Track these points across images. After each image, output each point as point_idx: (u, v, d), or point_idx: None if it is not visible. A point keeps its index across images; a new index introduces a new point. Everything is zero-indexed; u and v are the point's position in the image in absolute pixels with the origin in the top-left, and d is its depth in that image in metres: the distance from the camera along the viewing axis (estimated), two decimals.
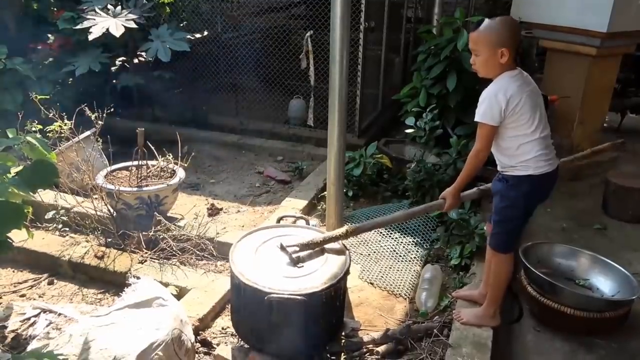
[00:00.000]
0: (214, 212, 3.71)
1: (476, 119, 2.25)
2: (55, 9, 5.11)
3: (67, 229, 3.36)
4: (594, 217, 3.84)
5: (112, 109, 3.35)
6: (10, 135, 2.47)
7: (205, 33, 5.56)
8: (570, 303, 2.59)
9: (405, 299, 2.88)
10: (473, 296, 2.69)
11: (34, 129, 3.03)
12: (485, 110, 2.21)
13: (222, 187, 4.24)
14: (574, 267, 2.95)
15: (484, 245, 3.05)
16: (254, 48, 5.34)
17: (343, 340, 2.46)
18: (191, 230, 3.23)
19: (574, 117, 4.51)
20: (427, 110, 4.12)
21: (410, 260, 3.18)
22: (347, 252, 2.39)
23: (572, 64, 4.44)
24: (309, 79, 5.02)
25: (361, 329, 2.58)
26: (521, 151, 2.27)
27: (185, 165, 3.44)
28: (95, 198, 3.21)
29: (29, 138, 2.30)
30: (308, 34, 4.85)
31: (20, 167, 2.27)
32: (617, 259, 2.93)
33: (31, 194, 2.20)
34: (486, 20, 2.21)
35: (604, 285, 2.83)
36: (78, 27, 4.51)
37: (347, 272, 2.28)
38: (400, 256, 3.21)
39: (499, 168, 2.40)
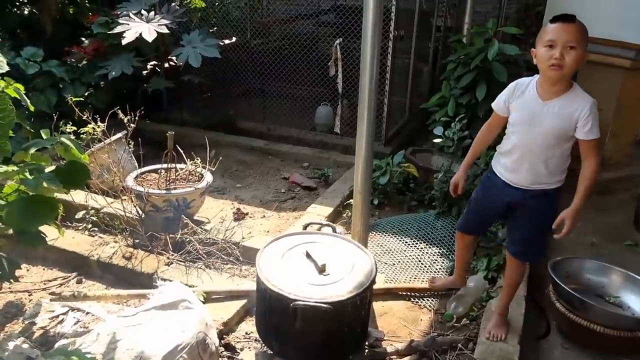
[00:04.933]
0: (239, 216, 3.73)
1: (595, 136, 2.11)
2: (90, 14, 5.23)
3: (96, 229, 3.41)
4: (624, 233, 3.75)
5: (142, 112, 3.41)
6: (45, 136, 2.53)
7: (235, 39, 5.63)
8: (600, 321, 2.52)
9: (430, 310, 2.85)
10: (451, 284, 2.88)
11: (68, 130, 3.09)
12: (598, 123, 2.11)
13: (248, 192, 4.26)
14: (605, 284, 2.88)
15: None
16: (282, 54, 5.37)
17: (367, 350, 2.44)
18: (217, 234, 3.25)
19: (607, 130, 4.41)
20: (456, 119, 4.09)
21: (435, 271, 3.15)
22: (374, 260, 2.38)
23: (606, 76, 4.35)
24: (337, 86, 5.03)
25: (385, 339, 2.57)
26: (568, 163, 2.28)
27: (213, 169, 3.48)
28: (125, 199, 3.26)
29: (63, 139, 2.35)
30: (337, 41, 4.86)
31: (53, 167, 2.32)
32: None
33: (64, 191, 2.26)
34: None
35: (636, 303, 2.75)
36: (112, 31, 4.61)
37: (373, 281, 2.26)
38: (425, 267, 3.19)
39: (532, 183, 2.29)
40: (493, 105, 2.37)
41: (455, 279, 2.91)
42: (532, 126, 2.20)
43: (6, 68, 1.96)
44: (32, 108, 2.35)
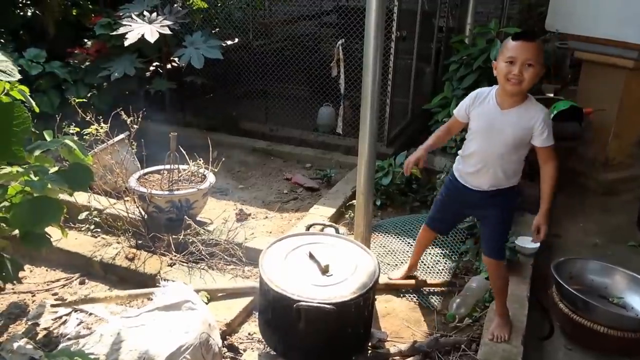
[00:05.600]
0: (242, 217, 3.73)
1: (551, 143, 2.29)
2: (92, 15, 5.24)
3: (99, 230, 3.42)
4: (627, 234, 3.74)
5: (144, 113, 3.42)
6: (48, 137, 2.53)
7: (237, 40, 5.64)
8: (604, 321, 2.52)
9: (433, 310, 2.85)
10: (408, 272, 3.01)
11: (71, 131, 3.09)
12: (552, 131, 2.28)
13: (251, 193, 4.27)
14: (608, 285, 2.88)
15: (514, 259, 3.03)
16: (284, 55, 5.38)
17: (370, 351, 2.44)
18: (220, 234, 3.25)
19: (609, 131, 4.41)
20: None
21: (438, 272, 3.15)
22: (377, 261, 2.38)
23: (608, 77, 4.35)
24: (339, 87, 5.03)
25: (388, 340, 2.57)
26: (522, 167, 2.45)
27: (216, 170, 3.48)
28: (127, 200, 3.27)
29: (66, 141, 2.35)
30: (340, 42, 4.86)
31: (56, 169, 2.33)
32: None
33: (69, 193, 2.27)
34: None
35: (639, 304, 2.75)
36: (114, 32, 4.62)
37: (376, 282, 2.27)
38: (427, 268, 3.18)
39: (491, 186, 2.44)
40: (455, 111, 2.52)
41: (410, 266, 3.05)
42: (491, 134, 2.34)
43: (18, 76, 1.97)
44: (37, 109, 2.36)
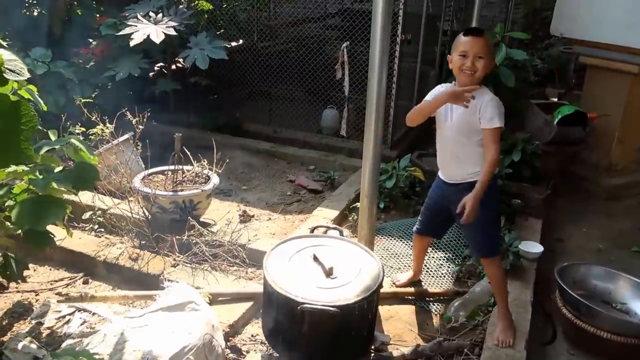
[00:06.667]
0: (245, 218, 3.74)
1: (499, 124, 2.33)
2: (98, 15, 5.25)
3: (103, 230, 3.42)
4: (631, 239, 3.74)
5: (149, 114, 3.42)
6: (52, 137, 2.55)
7: (241, 41, 5.65)
8: (607, 327, 2.52)
9: (436, 314, 2.85)
10: (414, 277, 3.02)
11: (77, 131, 3.10)
12: (501, 114, 2.34)
13: (254, 194, 4.27)
14: (611, 290, 2.87)
15: (518, 263, 3.02)
16: (288, 57, 5.39)
17: (373, 354, 2.44)
18: (223, 236, 3.26)
19: (613, 136, 4.41)
20: None
21: (441, 276, 3.15)
22: (381, 264, 2.38)
23: (613, 82, 4.35)
24: (343, 89, 5.04)
25: (391, 344, 2.56)
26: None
27: (220, 171, 3.48)
28: (131, 200, 3.27)
29: (73, 140, 2.36)
30: (344, 45, 4.87)
31: (60, 168, 2.34)
32: None
33: (73, 192, 2.28)
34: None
35: None
36: (120, 33, 4.63)
37: (380, 285, 2.27)
38: (431, 271, 3.18)
39: (461, 178, 2.51)
40: (428, 97, 2.53)
41: (415, 273, 3.06)
42: (445, 121, 2.48)
43: (27, 75, 1.98)
44: (44, 108, 2.37)
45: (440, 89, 2.52)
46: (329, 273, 2.25)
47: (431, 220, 2.80)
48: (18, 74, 1.91)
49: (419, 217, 2.88)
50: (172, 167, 3.46)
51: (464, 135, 2.43)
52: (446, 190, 2.61)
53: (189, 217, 3.24)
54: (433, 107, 2.44)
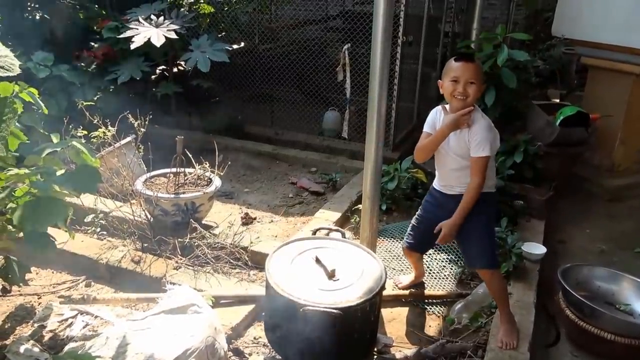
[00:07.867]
0: (247, 221, 3.74)
1: (487, 153, 2.36)
2: (100, 19, 5.27)
3: (105, 232, 3.42)
4: (634, 241, 3.73)
5: (151, 117, 3.43)
6: (55, 140, 2.54)
7: (243, 44, 5.65)
8: (610, 328, 2.51)
9: (439, 316, 2.84)
10: (416, 279, 3.01)
11: (79, 134, 3.10)
12: (490, 140, 2.37)
13: (256, 197, 4.27)
14: (615, 291, 2.86)
15: (520, 264, 3.01)
16: (290, 59, 5.39)
17: (375, 357, 2.44)
18: (225, 238, 3.25)
19: (615, 137, 4.40)
20: None
21: (443, 278, 3.14)
22: (383, 266, 2.37)
23: (615, 82, 4.35)
24: (345, 91, 5.04)
25: (393, 346, 2.56)
26: (492, 172, 2.54)
27: (221, 173, 3.48)
28: (134, 203, 3.27)
29: (75, 143, 2.36)
30: (346, 47, 4.87)
31: (63, 171, 2.34)
32: None
33: (76, 195, 2.27)
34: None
35: None
36: (121, 36, 4.64)
37: (382, 287, 2.26)
38: (433, 273, 3.17)
39: (462, 190, 2.49)
40: (427, 128, 2.58)
41: (418, 275, 3.05)
42: (442, 146, 2.49)
43: (18, 70, 1.96)
44: (46, 111, 2.37)
45: (434, 115, 2.55)
46: (331, 275, 2.25)
47: (424, 234, 2.73)
48: (7, 69, 1.87)
49: (408, 232, 2.85)
50: (174, 170, 3.46)
51: (460, 156, 2.46)
52: (445, 203, 2.59)
53: (191, 220, 3.24)
54: (439, 141, 2.47)
